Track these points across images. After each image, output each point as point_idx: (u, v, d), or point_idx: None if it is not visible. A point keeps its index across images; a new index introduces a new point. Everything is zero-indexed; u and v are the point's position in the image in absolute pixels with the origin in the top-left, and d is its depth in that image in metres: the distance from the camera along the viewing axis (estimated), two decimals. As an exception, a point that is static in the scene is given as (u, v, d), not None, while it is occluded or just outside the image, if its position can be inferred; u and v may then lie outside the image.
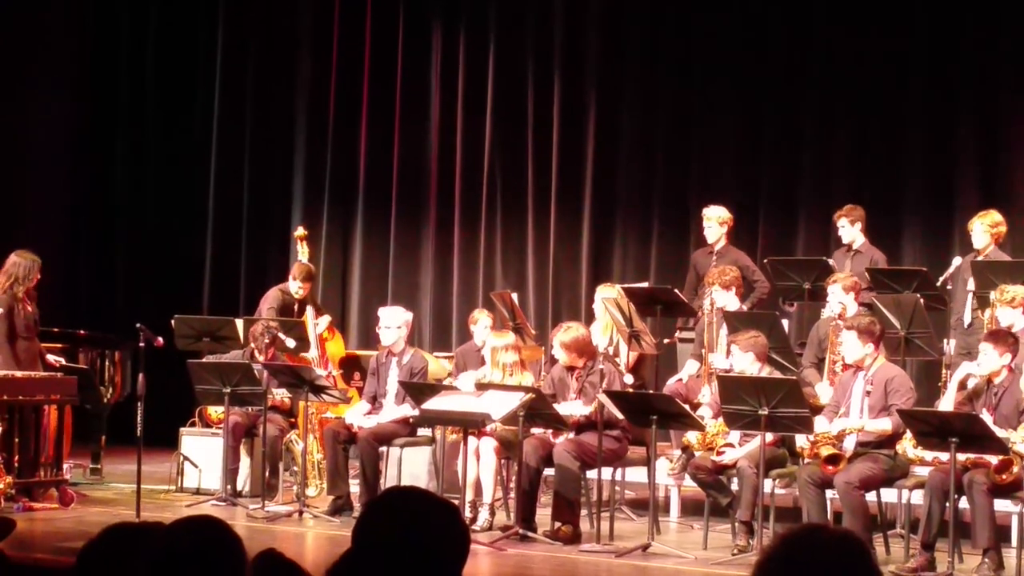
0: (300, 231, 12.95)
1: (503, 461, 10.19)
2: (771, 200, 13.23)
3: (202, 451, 11.32)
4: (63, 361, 11.64)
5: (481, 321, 11.23)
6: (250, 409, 10.95)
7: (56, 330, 12.16)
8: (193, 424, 11.67)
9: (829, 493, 8.87)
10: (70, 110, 15.60)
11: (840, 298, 10.14)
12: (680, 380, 10.86)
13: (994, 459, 8.30)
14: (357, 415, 10.61)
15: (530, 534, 9.44)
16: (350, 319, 14.66)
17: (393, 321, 10.74)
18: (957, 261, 10.95)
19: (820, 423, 8.89)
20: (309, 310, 12.18)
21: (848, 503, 8.63)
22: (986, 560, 8.38)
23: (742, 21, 13.40)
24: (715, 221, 11.66)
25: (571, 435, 9.68)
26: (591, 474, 9.70)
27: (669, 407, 9.14)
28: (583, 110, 13.94)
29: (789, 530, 2.84)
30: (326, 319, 12.40)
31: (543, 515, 9.83)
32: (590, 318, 11.36)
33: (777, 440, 9.27)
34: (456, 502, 7.30)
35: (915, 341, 10.16)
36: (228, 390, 10.43)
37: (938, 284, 10.80)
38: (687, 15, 13.66)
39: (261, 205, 15.17)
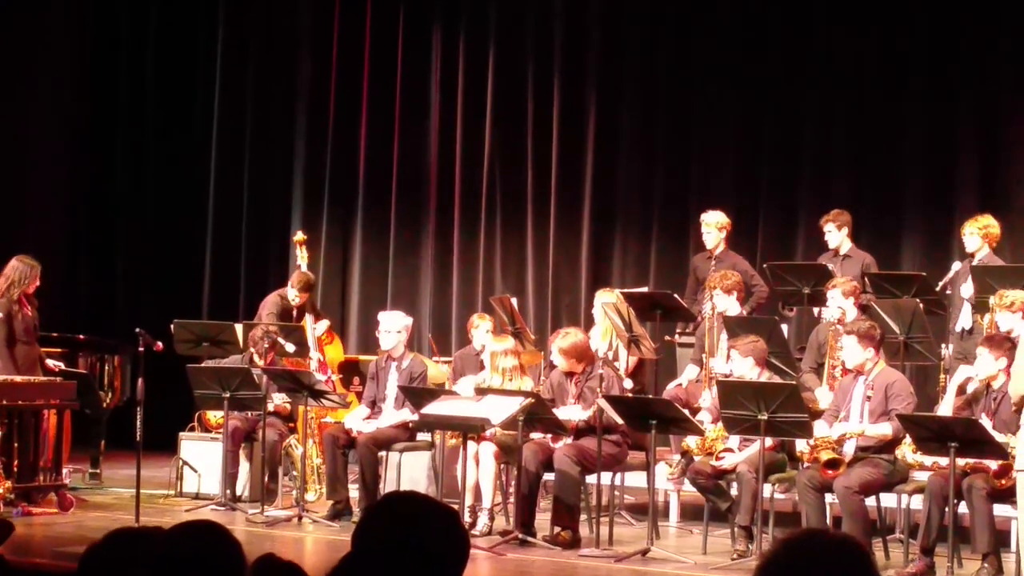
0: (300, 236, 12.95)
1: (502, 466, 10.19)
2: (770, 202, 13.22)
3: (201, 456, 11.31)
4: (62, 365, 11.64)
5: (481, 326, 11.22)
6: (249, 414, 10.95)
7: (55, 335, 12.15)
8: (192, 429, 11.66)
9: (829, 498, 8.87)
10: (70, 110, 15.59)
11: (840, 303, 10.14)
12: (680, 385, 10.86)
13: (993, 464, 8.30)
14: (356, 420, 10.60)
15: (529, 539, 9.43)
16: (349, 323, 14.65)
17: (392, 325, 10.74)
18: (957, 266, 10.96)
19: (820, 427, 8.89)
20: (308, 316, 12.19)
21: (848, 508, 8.63)
22: (985, 565, 8.38)
23: (742, 21, 13.40)
24: (713, 227, 11.67)
25: (570, 440, 9.67)
26: (590, 479, 9.69)
27: (668, 412, 9.14)
28: (583, 111, 13.94)
29: (789, 535, 2.84)
30: (324, 323, 12.41)
31: (542, 520, 9.82)
32: (589, 323, 11.36)
33: (776, 445, 9.27)
34: (455, 507, 7.27)
35: (915, 346, 10.16)
36: (227, 395, 10.42)
37: (937, 288, 10.81)
38: (687, 15, 13.66)
39: (261, 207, 15.16)
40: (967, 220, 10.95)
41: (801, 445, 8.92)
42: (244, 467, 11.18)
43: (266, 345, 11.06)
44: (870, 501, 8.91)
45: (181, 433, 11.57)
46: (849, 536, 2.90)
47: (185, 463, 11.36)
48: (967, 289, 10.58)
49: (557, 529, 9.57)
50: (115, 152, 15.67)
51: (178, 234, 15.28)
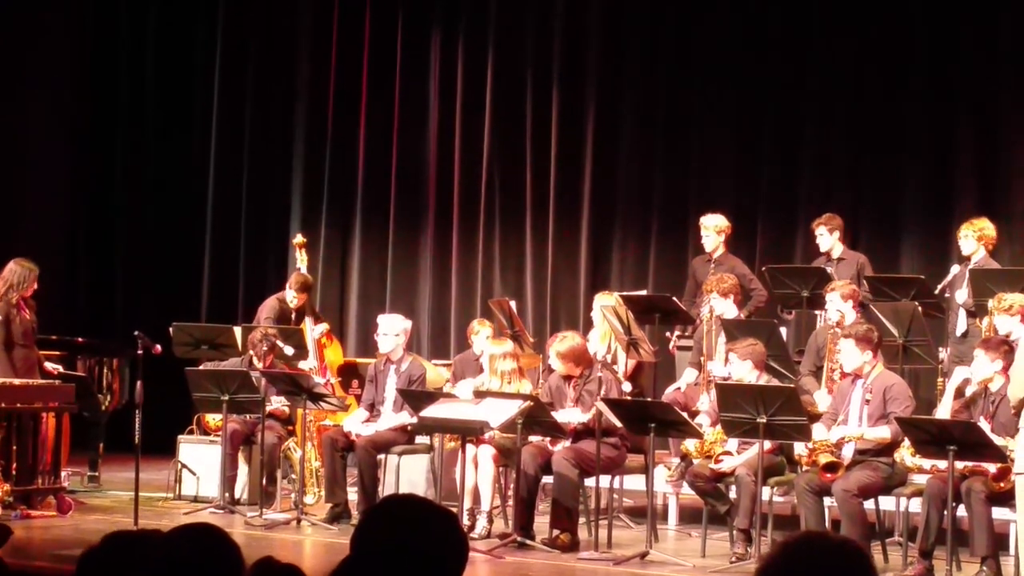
0: (299, 239, 12.94)
1: (501, 469, 10.18)
2: (770, 203, 13.21)
3: (200, 459, 11.30)
4: (61, 369, 11.64)
5: (481, 332, 11.20)
6: (248, 417, 10.94)
7: (54, 337, 12.15)
8: (191, 432, 11.65)
9: (827, 501, 8.86)
10: (70, 110, 15.59)
11: (838, 306, 10.13)
12: (678, 389, 10.85)
13: (992, 467, 8.30)
14: (355, 423, 10.60)
15: (528, 542, 9.43)
16: (348, 326, 14.64)
17: (391, 328, 10.73)
18: (955, 269, 10.96)
19: (818, 431, 8.88)
20: (307, 319, 12.19)
21: (846, 511, 8.63)
22: (984, 568, 8.38)
23: (742, 21, 13.40)
24: (712, 230, 11.66)
25: (569, 443, 9.67)
26: (589, 482, 9.69)
27: (667, 415, 9.13)
28: (582, 113, 13.93)
29: (787, 538, 2.84)
30: (323, 326, 12.40)
31: (541, 523, 9.81)
32: (588, 326, 11.35)
33: (775, 448, 9.27)
34: (454, 510, 7.29)
35: (913, 349, 10.16)
36: (226, 398, 10.41)
37: (936, 292, 10.81)
38: (687, 16, 13.66)
39: (260, 210, 15.15)
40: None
41: (800, 448, 8.92)
42: (243, 470, 11.17)
43: (265, 348, 11.05)
44: (869, 504, 8.91)
45: (180, 436, 11.56)
46: (848, 539, 2.90)
47: (184, 466, 11.35)
48: (961, 295, 10.60)
49: (556, 532, 9.56)
50: (115, 152, 15.67)
51: (177, 235, 15.27)
